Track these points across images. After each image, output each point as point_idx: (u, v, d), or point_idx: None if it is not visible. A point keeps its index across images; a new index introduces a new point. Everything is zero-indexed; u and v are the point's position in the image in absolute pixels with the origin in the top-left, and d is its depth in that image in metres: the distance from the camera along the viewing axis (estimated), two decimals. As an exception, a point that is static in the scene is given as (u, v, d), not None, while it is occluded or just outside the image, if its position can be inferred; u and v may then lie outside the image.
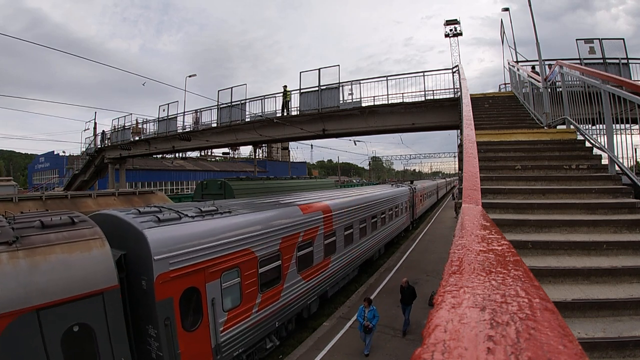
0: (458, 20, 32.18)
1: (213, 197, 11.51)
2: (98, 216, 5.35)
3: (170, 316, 4.71)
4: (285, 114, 16.89)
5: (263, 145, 43.67)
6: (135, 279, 4.73)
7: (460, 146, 5.58)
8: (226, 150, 30.46)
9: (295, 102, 16.44)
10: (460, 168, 4.50)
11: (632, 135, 4.24)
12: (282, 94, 16.96)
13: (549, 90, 6.96)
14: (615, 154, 4.26)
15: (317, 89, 15.80)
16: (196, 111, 20.08)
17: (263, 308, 6.59)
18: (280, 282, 7.20)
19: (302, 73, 16.42)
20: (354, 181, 64.55)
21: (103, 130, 27.51)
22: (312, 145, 58.19)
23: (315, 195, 11.07)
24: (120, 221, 5.05)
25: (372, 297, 10.41)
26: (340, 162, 68.89)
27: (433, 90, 14.29)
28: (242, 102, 17.74)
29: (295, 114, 16.38)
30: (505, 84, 18.19)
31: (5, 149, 61.62)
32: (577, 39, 13.58)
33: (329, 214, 9.38)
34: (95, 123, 28.07)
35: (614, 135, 4.34)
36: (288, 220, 7.57)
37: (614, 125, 4.32)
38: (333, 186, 21.39)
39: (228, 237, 5.82)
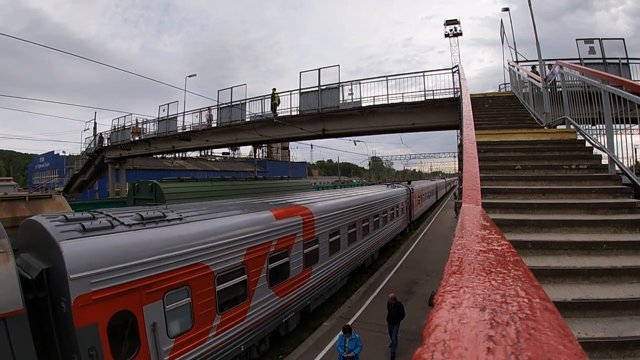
0: (458, 20, 32.18)
1: (144, 202, 10.16)
2: (28, 222, 4.70)
3: (95, 345, 3.96)
4: (274, 115, 17.22)
5: (263, 145, 43.67)
6: (56, 299, 4.03)
7: (460, 146, 5.58)
8: (226, 150, 30.46)
9: (295, 102, 16.47)
10: (460, 168, 4.50)
11: (632, 135, 4.24)
12: (270, 96, 17.28)
13: (549, 90, 6.96)
14: (615, 153, 4.26)
15: (317, 89, 15.80)
16: (209, 108, 19.54)
17: (223, 331, 5.71)
18: (247, 299, 6.25)
19: (302, 73, 16.45)
20: (354, 181, 64.57)
21: (100, 133, 27.52)
22: (312, 145, 58.19)
23: (294, 198, 9.95)
24: (42, 229, 4.31)
25: (372, 297, 10.42)
26: (340, 162, 68.91)
27: (433, 90, 14.31)
28: (242, 102, 17.75)
29: (295, 114, 16.39)
30: (505, 84, 18.20)
31: (5, 149, 61.68)
32: (577, 39, 13.59)
33: (309, 219, 8.37)
34: (95, 123, 28.10)
35: (614, 135, 4.34)
36: (256, 227, 6.60)
37: (614, 125, 4.32)
38: (310, 188, 19.00)
39: (174, 250, 4.91)
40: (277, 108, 17.08)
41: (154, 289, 4.64)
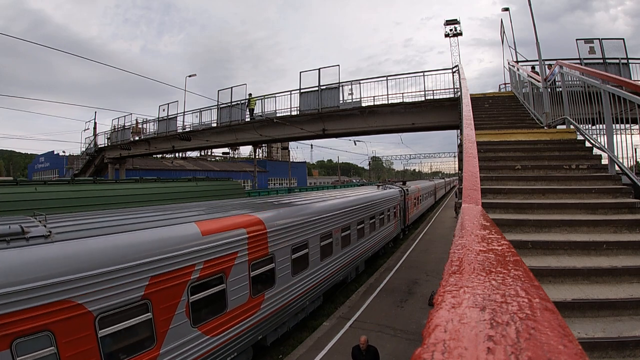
0: (458, 20, 32.17)
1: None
2: None
3: None
4: (250, 119, 17.66)
5: (263, 145, 43.68)
6: None
7: (460, 146, 5.58)
8: (226, 150, 30.48)
9: (295, 102, 16.50)
10: (460, 168, 4.50)
11: (632, 135, 4.24)
12: (246, 101, 17.65)
13: (549, 90, 6.96)
14: (615, 153, 4.26)
15: (317, 89, 15.82)
16: (218, 106, 18.95)
17: None
18: (154, 345, 4.61)
19: (302, 73, 16.48)
20: (354, 181, 64.58)
21: (93, 139, 27.52)
22: (312, 145, 58.26)
23: (240, 204, 8.10)
24: None
25: (372, 297, 10.42)
26: (340, 162, 68.95)
27: (433, 90, 14.33)
28: (242, 102, 17.77)
29: (295, 113, 16.41)
30: (505, 84, 18.22)
31: (5, 148, 61.72)
32: (577, 39, 13.61)
33: (259, 232, 6.50)
34: (95, 123, 28.10)
35: (614, 135, 4.34)
36: (168, 248, 4.82)
37: (613, 125, 4.32)
38: (242, 194, 14.84)
39: (29, 282, 3.59)
40: (255, 112, 17.62)
41: None
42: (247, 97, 17.57)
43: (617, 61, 13.28)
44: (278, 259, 7.04)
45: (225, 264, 5.71)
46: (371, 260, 14.19)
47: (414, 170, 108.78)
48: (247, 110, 17.47)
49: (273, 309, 6.88)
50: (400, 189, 19.19)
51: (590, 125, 5.15)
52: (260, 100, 17.61)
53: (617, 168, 4.30)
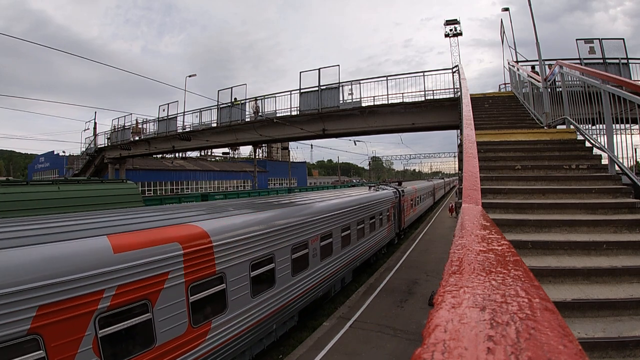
0: (458, 20, 32.16)
1: None
2: None
3: None
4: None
5: (263, 145, 43.69)
6: None
7: (460, 146, 5.58)
8: (226, 150, 30.51)
9: (295, 102, 16.52)
10: (460, 168, 4.50)
11: (632, 135, 4.24)
12: (230, 104, 18.01)
13: (549, 90, 6.96)
14: (615, 153, 4.26)
15: (317, 89, 15.83)
16: (256, 99, 18.34)
17: None
18: None
19: (302, 73, 16.51)
20: (354, 181, 64.60)
21: (94, 139, 27.58)
22: (312, 145, 58.29)
23: (179, 211, 6.49)
24: None
25: (372, 297, 10.43)
26: (340, 162, 69.01)
27: (433, 90, 14.36)
28: (242, 102, 17.79)
29: (295, 113, 16.42)
30: (505, 84, 18.22)
31: (5, 148, 61.77)
32: (577, 39, 13.62)
33: (202, 247, 5.27)
34: (95, 123, 28.12)
35: (614, 135, 4.34)
36: (62, 270, 3.74)
37: (613, 125, 4.33)
38: (135, 202, 11.04)
39: None
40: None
41: None
42: (234, 100, 17.94)
43: (617, 61, 13.29)
44: (231, 278, 5.78)
45: (150, 288, 4.49)
46: (362, 267, 12.96)
47: (414, 170, 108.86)
48: (252, 110, 17.67)
49: (224, 338, 5.63)
50: (395, 189, 18.00)
51: (590, 125, 5.16)
52: (260, 100, 17.64)
53: (617, 168, 4.30)
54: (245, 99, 17.78)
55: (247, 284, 6.16)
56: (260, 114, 17.73)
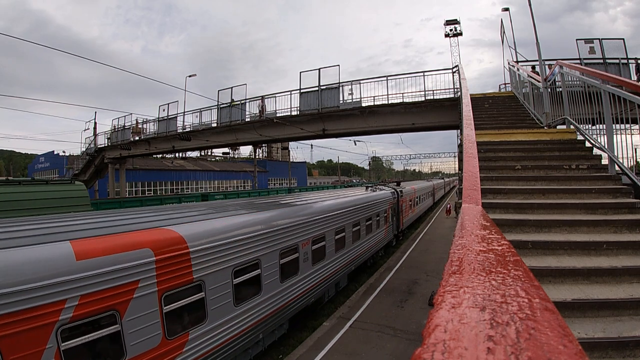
0: (458, 20, 32.17)
1: None
2: None
3: None
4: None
5: (263, 145, 43.71)
6: None
7: (460, 146, 5.58)
8: (226, 150, 30.52)
9: (295, 102, 16.53)
10: (460, 168, 4.50)
11: (632, 135, 4.24)
12: (229, 105, 18.22)
13: (549, 90, 6.96)
14: (615, 153, 4.26)
15: (317, 89, 15.83)
16: (263, 98, 18.11)
17: None
18: None
19: (302, 73, 16.51)
20: (354, 181, 64.61)
21: (94, 139, 27.61)
22: (312, 145, 58.38)
23: (154, 213, 5.92)
24: None
25: (372, 297, 10.43)
26: (340, 162, 69.04)
27: (433, 90, 14.35)
28: (242, 102, 17.80)
29: (296, 113, 16.43)
30: (505, 84, 18.22)
31: (5, 148, 61.80)
32: (577, 39, 13.62)
33: (178, 253, 4.95)
34: (95, 123, 28.12)
35: (614, 135, 4.34)
36: (16, 279, 3.49)
37: (614, 125, 4.33)
38: (85, 204, 10.03)
39: None
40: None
41: None
42: (231, 101, 18.10)
43: (617, 61, 13.29)
44: (210, 287, 5.42)
45: (118, 297, 4.20)
46: (359, 270, 12.61)
47: (414, 170, 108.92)
48: (259, 108, 17.79)
49: (204, 350, 5.35)
50: (393, 190, 17.51)
51: (590, 125, 5.16)
52: (260, 100, 17.66)
53: (617, 168, 4.30)
54: (246, 99, 17.78)
55: (230, 292, 5.81)
56: (267, 112, 17.61)
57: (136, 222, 5.14)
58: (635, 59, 13.20)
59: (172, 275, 4.85)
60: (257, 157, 30.75)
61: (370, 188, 16.54)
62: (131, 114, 25.73)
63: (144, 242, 4.59)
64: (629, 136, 4.21)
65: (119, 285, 4.20)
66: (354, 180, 68.38)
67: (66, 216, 5.84)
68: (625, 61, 13.29)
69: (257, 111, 17.62)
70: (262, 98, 17.49)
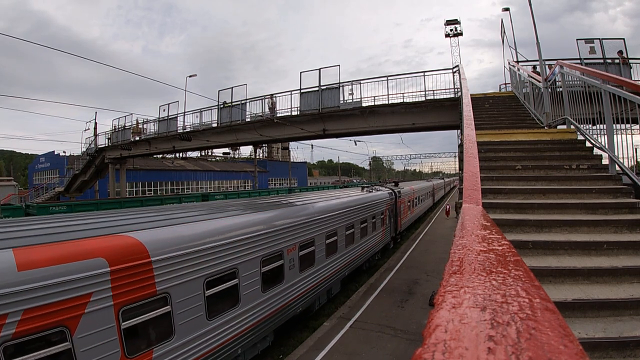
0: (458, 20, 32.15)
1: None
2: None
3: None
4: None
5: (263, 145, 43.73)
6: None
7: (460, 146, 5.58)
8: (226, 150, 30.52)
9: (295, 102, 16.53)
10: (461, 168, 4.50)
11: (633, 135, 4.24)
12: (222, 106, 18.46)
13: (550, 90, 6.96)
14: (616, 153, 4.26)
15: (317, 89, 15.83)
16: (272, 96, 17.70)
17: None
18: None
19: (302, 73, 16.50)
20: (354, 181, 64.60)
21: (94, 139, 27.65)
22: (312, 145, 58.41)
23: (116, 217, 5.44)
24: None
25: (372, 297, 10.43)
26: (340, 162, 69.04)
27: (433, 90, 14.34)
28: (243, 102, 17.79)
29: (296, 113, 16.43)
30: (505, 84, 18.19)
31: (5, 149, 61.80)
32: (577, 39, 13.60)
33: (137, 263, 4.43)
34: (95, 123, 28.13)
35: (615, 135, 4.34)
36: None
37: (614, 125, 4.32)
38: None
39: None
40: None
41: None
42: (223, 103, 18.28)
43: (618, 61, 13.27)
44: (178, 299, 4.90)
45: (67, 312, 3.78)
46: (352, 275, 12.05)
47: (415, 170, 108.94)
48: (269, 106, 17.94)
49: None
50: (391, 191, 16.99)
51: (590, 125, 5.16)
52: (260, 100, 17.66)
53: (617, 168, 4.30)
54: (246, 99, 17.78)
55: (201, 305, 5.27)
56: (276, 110, 17.32)
57: (90, 228, 4.65)
58: (624, 57, 13.17)
59: (131, 288, 4.37)
60: (257, 157, 30.76)
61: (366, 189, 16.00)
62: (131, 114, 25.81)
63: (96, 251, 4.13)
64: (629, 136, 4.21)
65: (68, 299, 3.79)
66: (354, 181, 68.34)
67: (8, 221, 5.41)
68: (619, 61, 13.26)
69: (267, 109, 17.53)
70: (272, 96, 17.42)
